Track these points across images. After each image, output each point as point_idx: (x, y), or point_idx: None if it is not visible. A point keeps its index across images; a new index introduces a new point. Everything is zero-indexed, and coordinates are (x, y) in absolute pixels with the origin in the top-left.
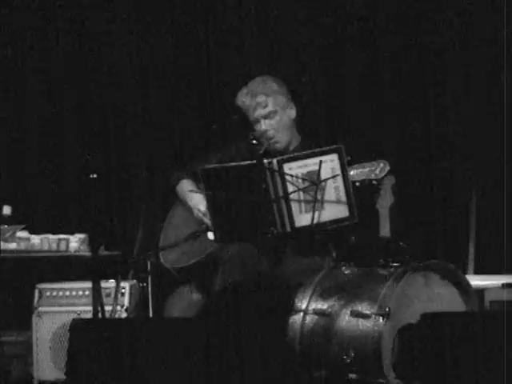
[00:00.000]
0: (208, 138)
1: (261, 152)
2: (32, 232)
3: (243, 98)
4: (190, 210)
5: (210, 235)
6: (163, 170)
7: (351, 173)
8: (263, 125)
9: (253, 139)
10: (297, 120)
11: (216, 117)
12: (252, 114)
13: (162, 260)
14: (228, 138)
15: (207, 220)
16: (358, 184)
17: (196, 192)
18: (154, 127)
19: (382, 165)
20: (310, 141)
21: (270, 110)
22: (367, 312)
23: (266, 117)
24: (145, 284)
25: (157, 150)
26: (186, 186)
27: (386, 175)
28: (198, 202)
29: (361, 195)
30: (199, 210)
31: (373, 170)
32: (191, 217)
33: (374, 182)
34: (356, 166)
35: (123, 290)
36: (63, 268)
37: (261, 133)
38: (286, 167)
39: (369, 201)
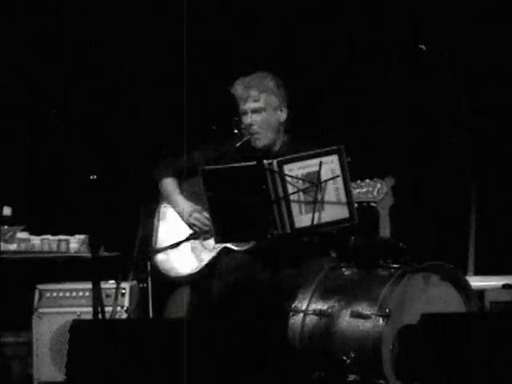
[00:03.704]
0: (208, 137)
1: (237, 145)
2: (32, 233)
3: (238, 88)
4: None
5: (208, 242)
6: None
7: None
8: (249, 118)
9: (236, 128)
10: (287, 122)
11: (216, 117)
12: (242, 105)
13: (157, 263)
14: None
15: (200, 226)
16: (356, 205)
17: (178, 194)
18: (154, 127)
19: (379, 185)
20: (298, 142)
21: (259, 105)
22: (367, 313)
23: (254, 111)
24: (145, 285)
25: (156, 149)
26: (169, 186)
27: (383, 197)
28: (184, 207)
29: (359, 216)
30: (189, 217)
31: (370, 191)
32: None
33: (373, 203)
34: (354, 185)
35: (123, 291)
36: (63, 269)
37: (245, 125)
38: (287, 168)
39: (366, 222)
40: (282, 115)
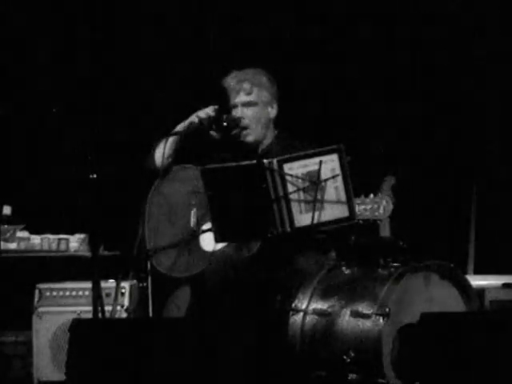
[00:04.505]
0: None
1: (227, 139)
2: (32, 232)
3: (230, 80)
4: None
5: (206, 245)
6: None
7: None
8: (239, 111)
9: (224, 122)
10: (277, 119)
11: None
12: (233, 99)
13: (154, 263)
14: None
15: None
16: (361, 222)
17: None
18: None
19: (384, 203)
20: (289, 139)
21: (251, 99)
22: (367, 312)
23: (245, 104)
24: (145, 284)
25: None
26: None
27: (390, 215)
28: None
29: (364, 232)
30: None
31: (376, 208)
32: (174, 208)
33: (379, 221)
34: (358, 201)
35: (123, 290)
36: (63, 268)
37: (234, 119)
38: (286, 167)
39: (377, 250)
40: (273, 111)
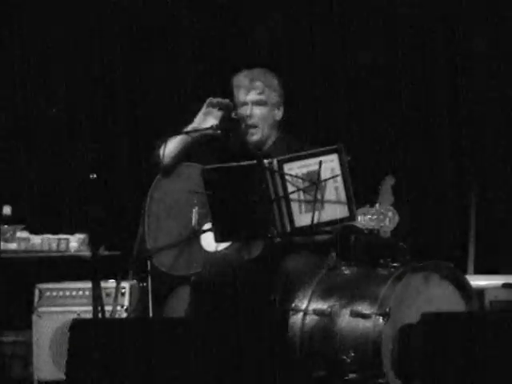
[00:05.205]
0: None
1: (232, 138)
2: (32, 232)
3: (242, 78)
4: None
5: (207, 245)
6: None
7: (359, 219)
8: (249, 110)
9: (231, 119)
10: (281, 121)
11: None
12: (242, 96)
13: (155, 262)
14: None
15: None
16: (366, 231)
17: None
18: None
19: (390, 214)
20: (288, 140)
21: (262, 98)
22: (367, 312)
23: (255, 103)
24: (145, 284)
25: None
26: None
27: (396, 227)
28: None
29: (370, 243)
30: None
31: (382, 220)
32: (175, 206)
33: (384, 232)
34: (364, 210)
35: (123, 290)
36: (63, 268)
37: (242, 117)
38: (286, 167)
39: (377, 250)
40: (279, 114)
